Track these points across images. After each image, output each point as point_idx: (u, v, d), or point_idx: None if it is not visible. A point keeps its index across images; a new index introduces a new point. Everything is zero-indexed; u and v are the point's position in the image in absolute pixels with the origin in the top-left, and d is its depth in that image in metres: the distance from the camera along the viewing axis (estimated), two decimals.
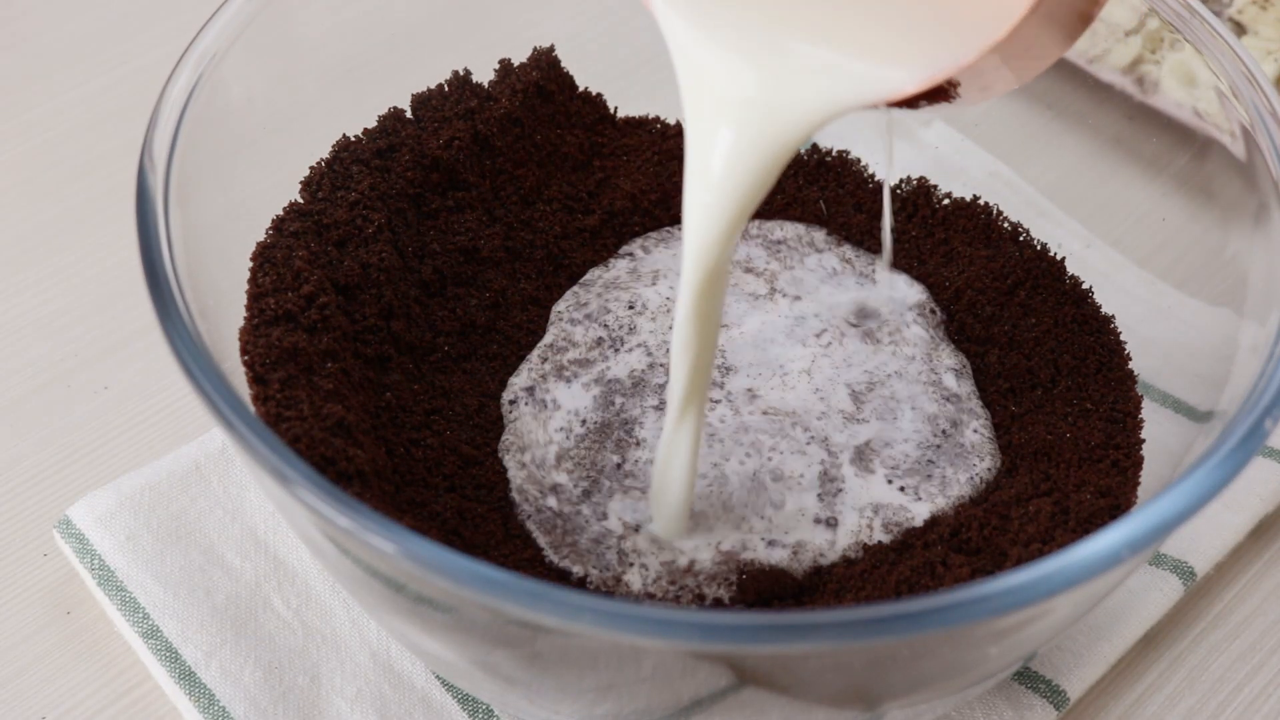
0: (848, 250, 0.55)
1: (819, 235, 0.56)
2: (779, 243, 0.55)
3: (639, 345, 0.50)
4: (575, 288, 0.53)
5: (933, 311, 0.53)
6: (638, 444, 0.47)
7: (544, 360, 0.50)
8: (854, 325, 0.52)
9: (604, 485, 0.46)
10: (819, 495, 0.46)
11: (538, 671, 0.39)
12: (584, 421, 0.48)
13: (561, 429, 0.47)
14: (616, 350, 0.50)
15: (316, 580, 0.48)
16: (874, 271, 0.54)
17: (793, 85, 0.38)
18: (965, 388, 0.50)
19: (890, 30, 0.37)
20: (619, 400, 0.48)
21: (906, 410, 0.49)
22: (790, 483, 0.46)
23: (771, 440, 0.47)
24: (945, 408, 0.49)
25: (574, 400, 0.48)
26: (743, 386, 0.49)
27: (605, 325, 0.51)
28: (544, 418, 0.48)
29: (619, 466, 0.46)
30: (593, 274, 0.54)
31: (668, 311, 0.52)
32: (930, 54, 0.37)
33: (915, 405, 0.49)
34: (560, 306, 0.52)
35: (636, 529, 0.45)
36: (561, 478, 0.46)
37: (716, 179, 0.39)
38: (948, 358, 0.51)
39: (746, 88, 0.38)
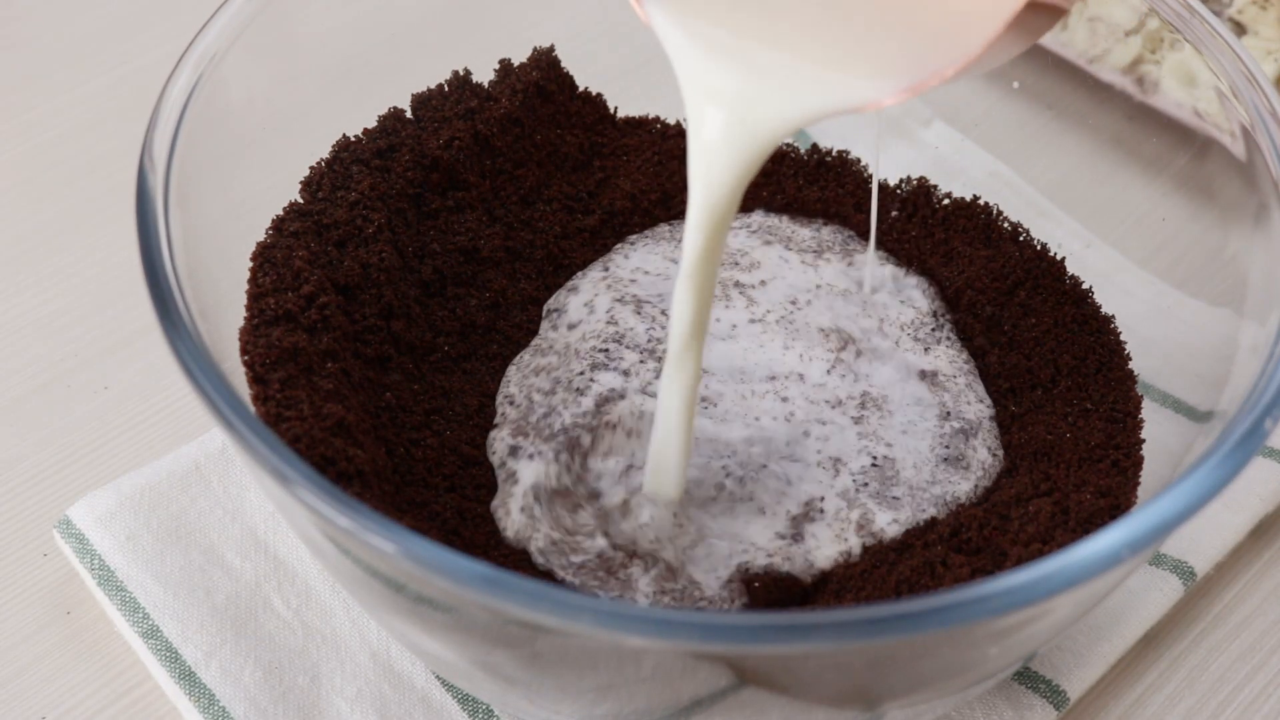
0: (828, 233, 0.55)
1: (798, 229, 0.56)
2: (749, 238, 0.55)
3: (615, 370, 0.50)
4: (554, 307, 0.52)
5: (936, 315, 0.53)
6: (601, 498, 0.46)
7: (515, 427, 0.48)
8: (845, 297, 0.52)
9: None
10: (812, 503, 0.46)
11: (538, 671, 0.39)
12: (538, 496, 0.46)
13: (524, 509, 0.46)
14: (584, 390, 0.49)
15: (316, 580, 0.48)
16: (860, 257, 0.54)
17: (772, 94, 0.39)
18: (967, 382, 0.50)
19: (871, 43, 0.39)
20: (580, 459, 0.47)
21: (906, 413, 0.49)
22: (784, 493, 0.46)
23: (762, 450, 0.47)
24: (945, 405, 0.49)
25: (533, 473, 0.46)
26: (730, 396, 0.49)
27: (572, 385, 0.49)
28: (508, 489, 0.46)
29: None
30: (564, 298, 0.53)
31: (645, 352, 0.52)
32: (907, 68, 0.38)
33: (916, 408, 0.49)
34: (528, 358, 0.51)
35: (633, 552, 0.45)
36: (602, 543, 0.45)
37: (709, 160, 0.40)
38: (955, 358, 0.51)
39: (730, 93, 0.39)
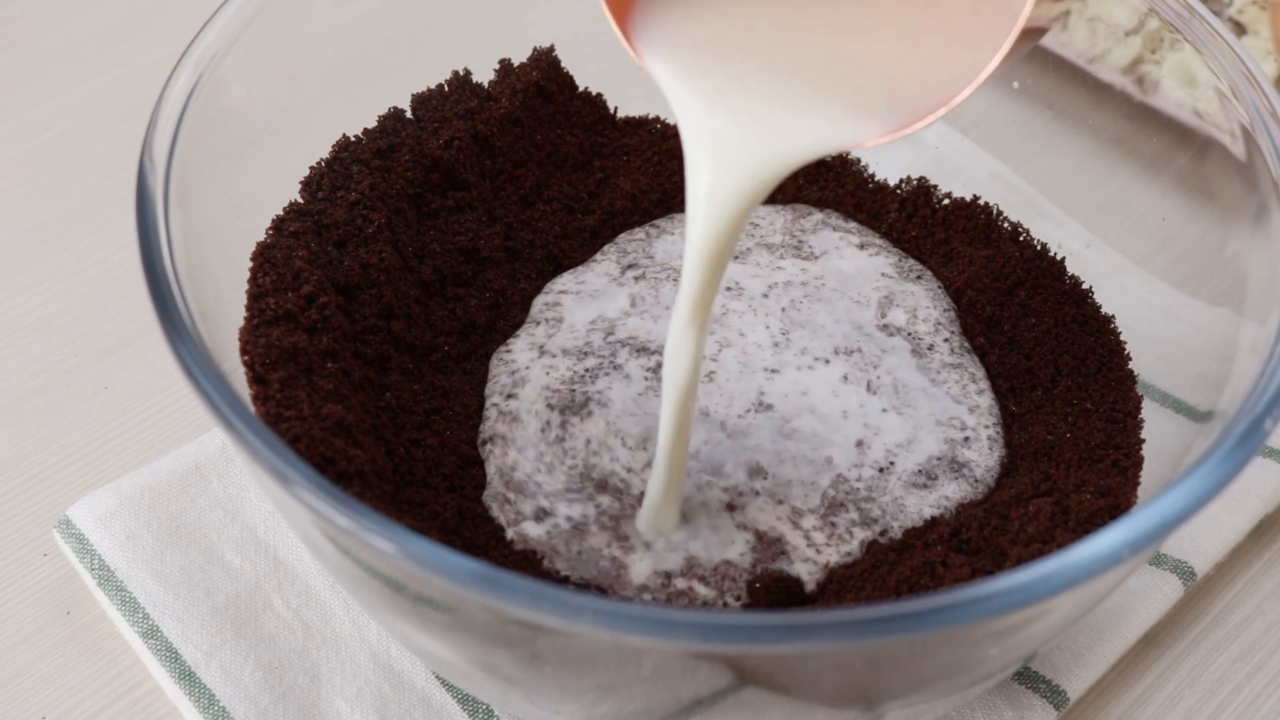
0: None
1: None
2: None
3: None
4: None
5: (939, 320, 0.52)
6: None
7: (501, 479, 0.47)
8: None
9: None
10: (821, 503, 0.46)
11: (537, 671, 0.39)
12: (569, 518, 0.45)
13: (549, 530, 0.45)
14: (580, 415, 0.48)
15: (316, 580, 0.48)
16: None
17: (769, 136, 0.40)
18: (976, 385, 0.50)
19: (863, 85, 0.40)
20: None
21: (913, 415, 0.49)
22: (793, 492, 0.46)
23: (773, 447, 0.47)
24: (952, 408, 0.49)
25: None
26: (738, 395, 0.49)
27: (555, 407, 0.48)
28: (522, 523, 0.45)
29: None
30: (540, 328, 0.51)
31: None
32: (898, 110, 0.39)
33: (923, 407, 0.49)
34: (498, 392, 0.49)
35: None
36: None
37: (703, 205, 0.41)
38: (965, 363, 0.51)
39: (725, 136, 0.40)
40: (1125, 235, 0.56)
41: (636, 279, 0.53)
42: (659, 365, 0.49)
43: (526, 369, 0.49)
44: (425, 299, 0.51)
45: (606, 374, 0.49)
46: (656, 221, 0.56)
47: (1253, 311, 0.44)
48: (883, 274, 0.53)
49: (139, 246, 0.40)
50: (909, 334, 0.51)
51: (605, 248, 0.54)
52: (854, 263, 0.54)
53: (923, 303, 0.52)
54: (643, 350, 0.50)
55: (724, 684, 0.37)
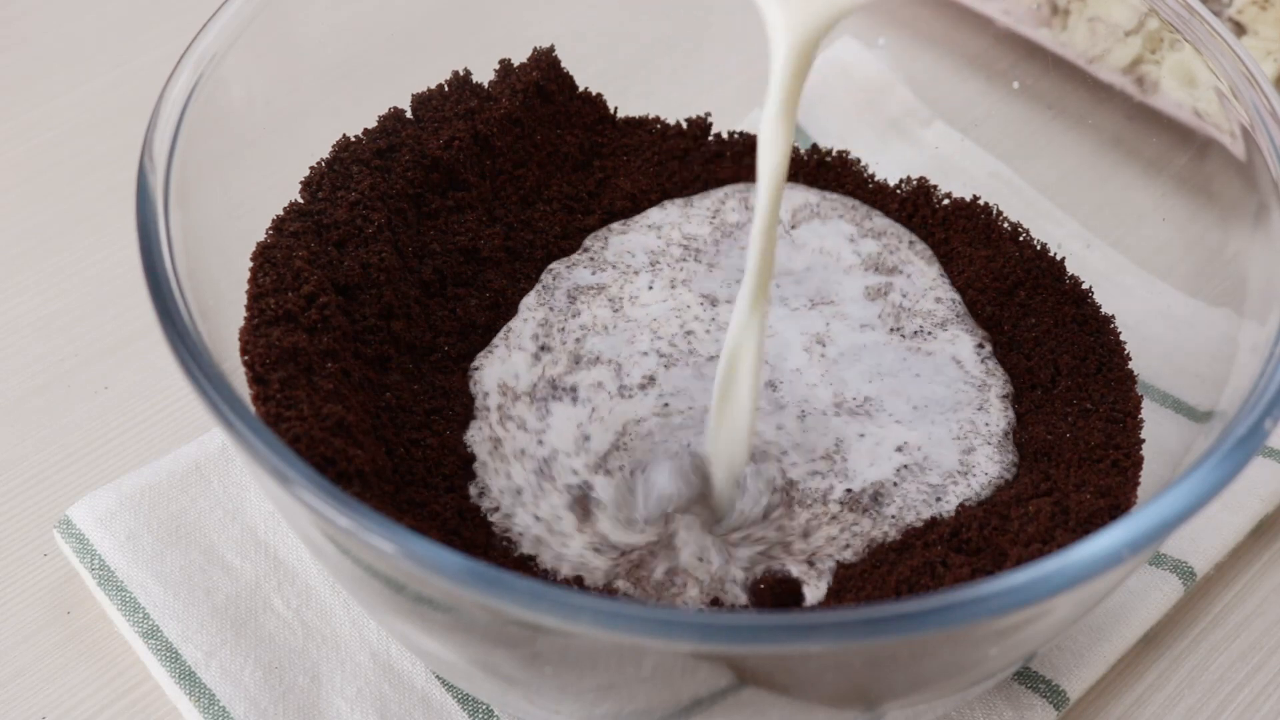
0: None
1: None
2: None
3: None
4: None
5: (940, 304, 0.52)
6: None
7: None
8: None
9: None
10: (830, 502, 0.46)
11: (537, 671, 0.39)
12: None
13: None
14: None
15: (316, 580, 0.48)
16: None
17: None
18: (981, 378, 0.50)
19: None
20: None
21: (930, 417, 0.49)
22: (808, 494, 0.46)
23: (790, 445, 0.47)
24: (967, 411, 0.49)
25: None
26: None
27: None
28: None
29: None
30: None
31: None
32: None
33: (938, 411, 0.49)
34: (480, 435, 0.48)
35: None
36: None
37: None
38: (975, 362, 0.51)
39: None
40: (1125, 235, 0.56)
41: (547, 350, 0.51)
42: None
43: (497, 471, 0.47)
44: (425, 299, 0.51)
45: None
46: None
47: (1253, 311, 0.44)
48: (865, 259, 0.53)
49: (139, 246, 0.40)
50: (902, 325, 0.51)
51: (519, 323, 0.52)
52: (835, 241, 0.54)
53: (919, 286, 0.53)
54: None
55: (724, 684, 0.37)
